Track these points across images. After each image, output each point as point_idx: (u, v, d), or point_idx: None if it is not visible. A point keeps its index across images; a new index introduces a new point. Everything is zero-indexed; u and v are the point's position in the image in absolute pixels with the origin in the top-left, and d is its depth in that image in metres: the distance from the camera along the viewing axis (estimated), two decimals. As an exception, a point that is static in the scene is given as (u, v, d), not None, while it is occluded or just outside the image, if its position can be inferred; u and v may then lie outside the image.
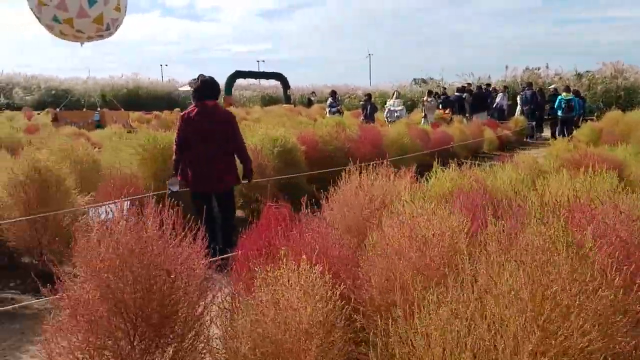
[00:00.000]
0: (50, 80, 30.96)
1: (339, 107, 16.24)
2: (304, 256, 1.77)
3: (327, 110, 16.06)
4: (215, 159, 4.33)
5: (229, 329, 1.77)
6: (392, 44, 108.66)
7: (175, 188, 4.26)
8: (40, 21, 13.97)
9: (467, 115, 16.43)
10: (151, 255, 1.89)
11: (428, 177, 4.02)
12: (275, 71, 33.74)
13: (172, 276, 1.91)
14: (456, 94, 18.13)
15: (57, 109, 16.02)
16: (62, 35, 14.14)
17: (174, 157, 4.41)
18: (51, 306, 3.18)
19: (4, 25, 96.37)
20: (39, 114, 22.35)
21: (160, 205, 2.17)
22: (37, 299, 3.78)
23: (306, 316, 1.53)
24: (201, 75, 4.54)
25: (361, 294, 1.86)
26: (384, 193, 2.67)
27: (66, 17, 13.40)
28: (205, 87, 4.42)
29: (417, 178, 3.65)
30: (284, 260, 1.78)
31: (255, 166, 5.64)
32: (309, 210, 2.57)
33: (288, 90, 34.09)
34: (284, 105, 31.56)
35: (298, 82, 41.21)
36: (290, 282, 1.67)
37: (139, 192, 4.70)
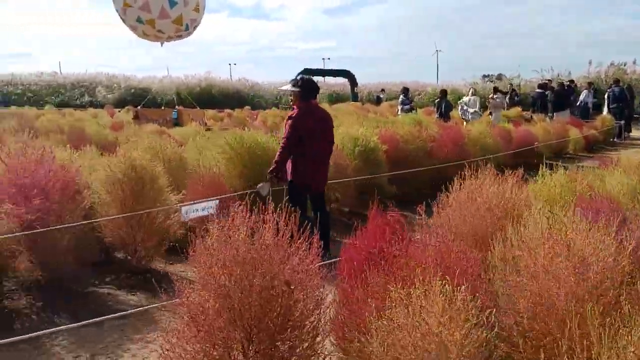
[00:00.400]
0: (129, 79, 32.53)
1: (411, 105, 15.82)
2: (439, 273, 1.58)
3: (399, 107, 15.69)
4: (325, 157, 4.61)
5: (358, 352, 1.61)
6: (461, 40, 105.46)
7: (265, 192, 4.24)
8: (124, 22, 14.64)
9: (548, 113, 15.52)
10: (270, 264, 1.77)
11: (528, 179, 3.71)
12: (342, 68, 33.63)
13: (291, 287, 1.79)
14: (537, 90, 17.17)
15: (138, 107, 16.71)
16: (144, 35, 14.74)
17: (278, 157, 4.36)
18: (151, 305, 3.23)
19: (87, 27, 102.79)
20: (119, 111, 23.56)
21: (271, 210, 2.05)
22: (132, 294, 3.85)
23: (455, 346, 1.35)
24: (302, 76, 4.62)
25: (502, 318, 1.65)
26: (504, 200, 2.42)
27: (148, 18, 13.95)
28: (310, 87, 4.56)
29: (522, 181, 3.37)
30: (417, 275, 1.60)
31: (333, 165, 5.55)
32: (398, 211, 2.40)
33: (355, 88, 33.90)
34: (351, 102, 31.46)
35: (363, 79, 40.89)
36: (429, 303, 1.49)
37: (225, 191, 4.70)
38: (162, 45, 15.33)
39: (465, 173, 2.70)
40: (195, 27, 15.02)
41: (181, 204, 4.12)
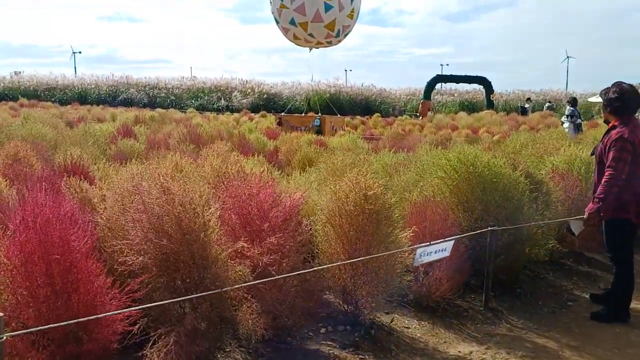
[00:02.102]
0: (262, 85, 33.52)
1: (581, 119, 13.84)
2: None
3: (566, 121, 13.69)
4: None
5: None
6: (593, 46, 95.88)
7: (578, 230, 3.54)
8: (277, 24, 14.61)
9: None
10: None
11: None
12: (477, 75, 31.63)
13: None
14: None
15: (282, 114, 16.66)
16: (294, 39, 14.59)
17: (609, 188, 3.53)
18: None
19: (215, 34, 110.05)
20: (255, 116, 24.10)
21: None
22: (359, 356, 3.07)
23: None
24: (619, 84, 3.60)
25: None
26: None
27: (302, 21, 13.74)
28: (634, 98, 3.63)
29: None
30: None
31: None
32: None
33: (491, 95, 31.72)
34: (486, 110, 29.37)
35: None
36: None
37: (452, 226, 3.80)
38: (310, 52, 15.11)
39: None
40: (346, 35, 14.56)
41: (417, 246, 3.29)
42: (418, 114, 29.30)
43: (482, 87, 32.37)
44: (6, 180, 3.49)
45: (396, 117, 26.45)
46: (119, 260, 2.53)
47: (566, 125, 13.36)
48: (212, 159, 4.18)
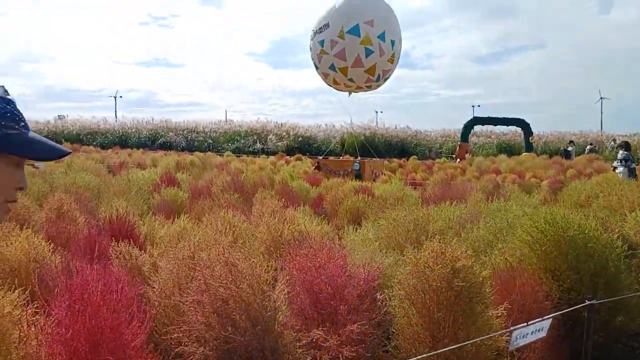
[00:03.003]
0: (297, 127, 33.66)
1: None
2: None
3: (619, 165, 12.85)
4: None
5: None
6: (626, 85, 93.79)
7: None
8: (317, 69, 14.57)
9: None
10: None
11: None
12: (515, 117, 30.96)
13: None
14: None
15: (320, 157, 16.42)
16: (334, 84, 14.49)
17: None
18: None
19: (250, 78, 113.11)
20: (291, 159, 24.00)
21: None
22: None
23: None
24: None
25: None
26: None
27: (342, 66, 13.64)
28: None
29: None
30: None
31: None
32: None
33: (530, 138, 30.87)
34: (525, 153, 28.51)
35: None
36: None
37: (541, 298, 3.29)
38: (349, 96, 14.96)
39: None
40: (386, 79, 14.39)
41: (513, 328, 2.80)
42: (455, 156, 28.71)
43: (520, 129, 31.62)
44: (49, 244, 3.20)
45: (434, 160, 25.91)
46: (176, 350, 2.16)
47: (620, 170, 12.57)
48: (266, 218, 3.83)
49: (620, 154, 12.96)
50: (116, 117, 53.12)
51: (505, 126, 32.89)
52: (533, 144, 31.22)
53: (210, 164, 14.17)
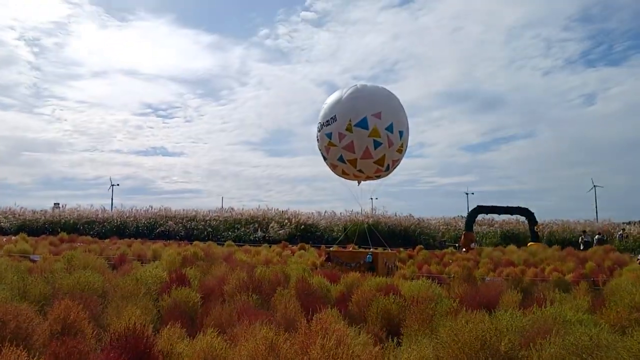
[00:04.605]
0: (298, 215, 33.25)
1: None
2: None
3: (645, 258, 12.42)
4: None
5: None
6: (618, 173, 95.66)
7: None
8: (325, 160, 14.41)
9: None
10: None
11: None
12: (519, 206, 30.78)
13: None
14: None
15: (330, 248, 15.83)
16: (343, 174, 14.29)
17: None
18: None
19: (245, 166, 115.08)
20: (294, 247, 23.35)
21: None
22: None
23: None
24: None
25: None
26: None
27: (351, 158, 13.49)
28: None
29: None
30: None
31: None
32: None
33: (535, 227, 30.49)
34: (531, 243, 28.00)
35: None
36: None
37: None
38: (358, 185, 14.72)
39: None
40: (395, 167, 14.24)
41: None
42: (459, 246, 28.14)
43: (524, 217, 31.35)
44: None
45: (440, 249, 25.31)
46: None
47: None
48: (318, 339, 3.25)
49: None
50: (112, 204, 52.92)
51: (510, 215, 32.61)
52: (538, 233, 30.81)
53: (216, 257, 13.53)
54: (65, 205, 41.79)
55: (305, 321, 5.77)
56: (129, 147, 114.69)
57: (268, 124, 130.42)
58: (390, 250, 16.15)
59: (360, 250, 15.17)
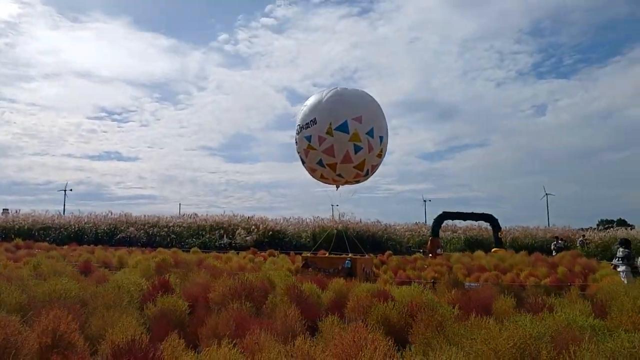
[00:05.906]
0: (266, 221, 32.69)
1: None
2: None
3: (621, 264, 12.38)
4: None
5: None
6: (569, 183, 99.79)
7: None
8: (304, 164, 14.10)
9: None
10: None
11: None
12: (484, 212, 31.33)
13: None
14: None
15: (308, 254, 15.50)
16: (322, 178, 14.01)
17: None
18: None
19: (203, 172, 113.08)
20: (264, 253, 22.84)
21: None
22: None
23: None
24: None
25: None
26: None
27: (330, 162, 13.24)
28: None
29: None
30: None
31: None
32: None
33: (499, 233, 31.10)
34: (495, 248, 28.49)
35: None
36: None
37: None
38: (337, 189, 14.48)
39: None
40: (373, 173, 14.09)
41: None
42: (426, 251, 28.34)
43: (487, 224, 31.94)
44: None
45: (410, 255, 25.40)
46: None
47: (622, 269, 12.16)
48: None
49: (621, 251, 12.43)
50: (64, 210, 50.73)
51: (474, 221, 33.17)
52: (502, 239, 31.41)
53: (188, 263, 12.98)
54: (19, 210, 39.56)
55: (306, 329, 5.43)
56: (81, 152, 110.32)
57: (227, 129, 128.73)
58: (367, 256, 15.98)
59: (338, 256, 14.93)
